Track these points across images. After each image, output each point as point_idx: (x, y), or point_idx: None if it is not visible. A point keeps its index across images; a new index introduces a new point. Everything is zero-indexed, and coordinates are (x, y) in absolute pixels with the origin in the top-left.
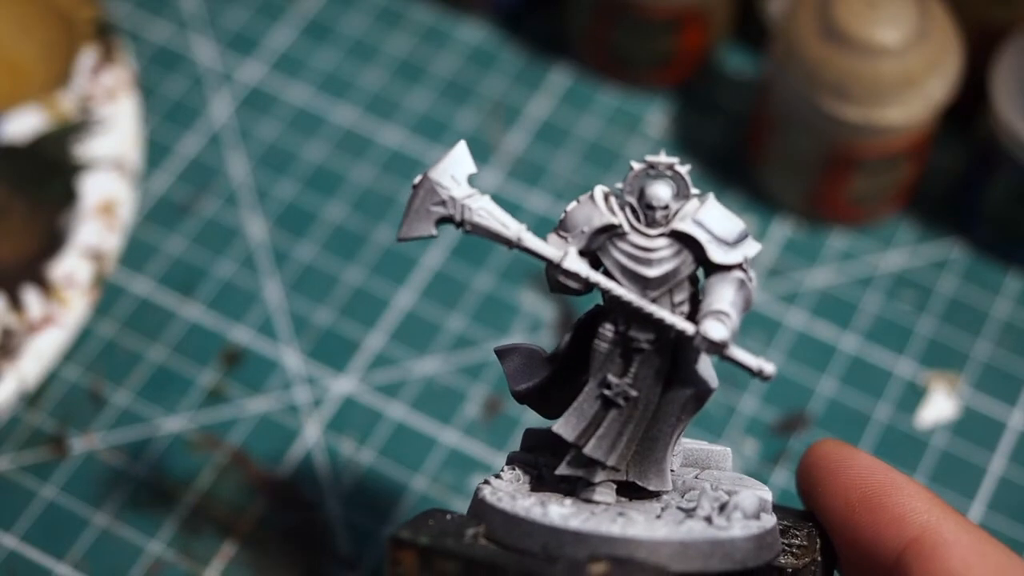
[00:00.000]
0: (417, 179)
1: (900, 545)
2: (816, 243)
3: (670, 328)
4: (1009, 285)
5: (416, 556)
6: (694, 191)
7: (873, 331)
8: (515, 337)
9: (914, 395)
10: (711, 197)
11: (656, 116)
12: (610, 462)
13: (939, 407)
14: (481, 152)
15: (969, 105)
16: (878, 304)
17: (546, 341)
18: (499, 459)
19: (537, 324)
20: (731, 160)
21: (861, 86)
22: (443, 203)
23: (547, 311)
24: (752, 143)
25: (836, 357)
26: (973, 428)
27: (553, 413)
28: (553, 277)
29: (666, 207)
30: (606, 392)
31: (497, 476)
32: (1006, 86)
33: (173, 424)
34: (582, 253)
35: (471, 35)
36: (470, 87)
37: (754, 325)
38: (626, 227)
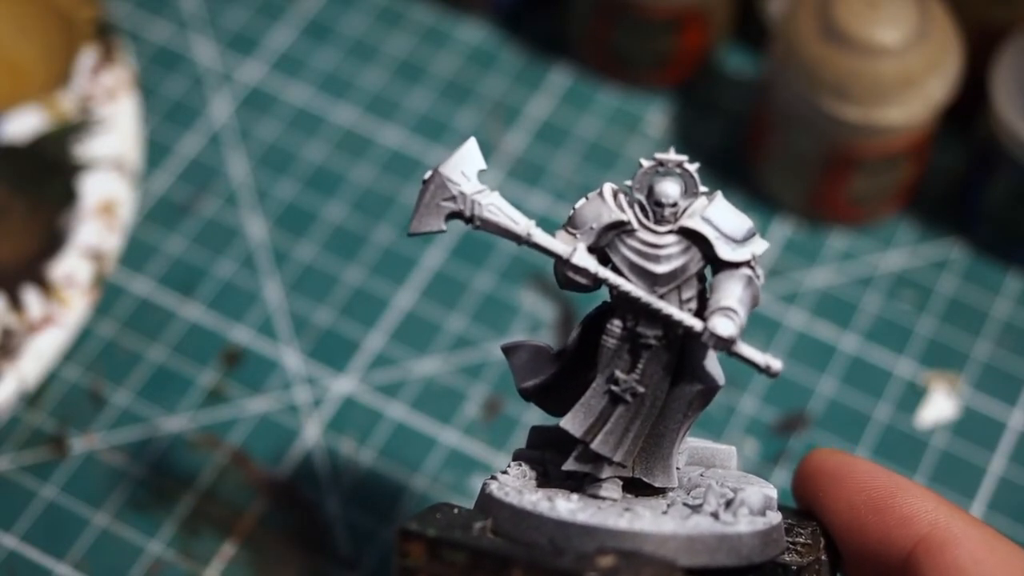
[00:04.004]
0: (427, 174)
1: (909, 544)
2: (816, 243)
3: (678, 324)
4: (1009, 285)
5: (424, 547)
6: (702, 189)
7: (873, 331)
8: (515, 338)
9: (914, 395)
10: (719, 195)
11: (656, 116)
12: (617, 458)
13: (939, 407)
14: (481, 152)
15: (969, 105)
16: (878, 304)
17: (547, 341)
18: (499, 459)
19: (537, 324)
20: (731, 160)
21: (861, 86)
22: (453, 199)
23: (547, 311)
24: (752, 143)
25: (836, 357)
26: (973, 428)
27: (559, 410)
28: (562, 273)
29: (675, 204)
30: (614, 388)
31: (504, 472)
32: (1006, 86)
33: (173, 424)
34: (591, 249)
35: (471, 35)
36: (470, 87)
37: (754, 325)
38: (635, 224)
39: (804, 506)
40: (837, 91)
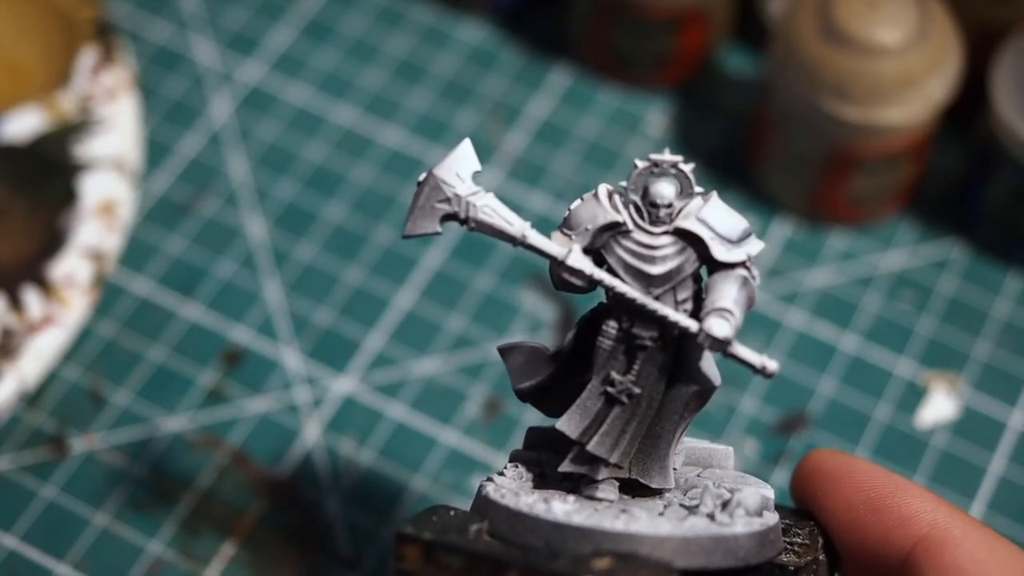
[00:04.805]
0: (422, 176)
1: (908, 544)
2: (816, 243)
3: (673, 325)
4: (1009, 285)
5: (420, 551)
6: (697, 189)
7: (873, 331)
8: (515, 337)
9: (914, 395)
10: (715, 195)
11: (656, 116)
12: (613, 459)
13: (939, 407)
14: (481, 152)
15: (969, 105)
16: (878, 304)
17: (546, 342)
18: (499, 459)
19: (537, 324)
20: (731, 160)
21: (861, 86)
22: (448, 200)
23: (547, 311)
24: (752, 143)
25: (836, 357)
26: (973, 428)
27: (556, 411)
28: (557, 274)
29: (670, 205)
30: (609, 389)
31: (500, 474)
32: (1006, 86)
33: (173, 424)
34: (586, 251)
35: (471, 35)
36: (470, 87)
37: (754, 325)
38: (630, 225)
39: (802, 506)
40: (837, 91)
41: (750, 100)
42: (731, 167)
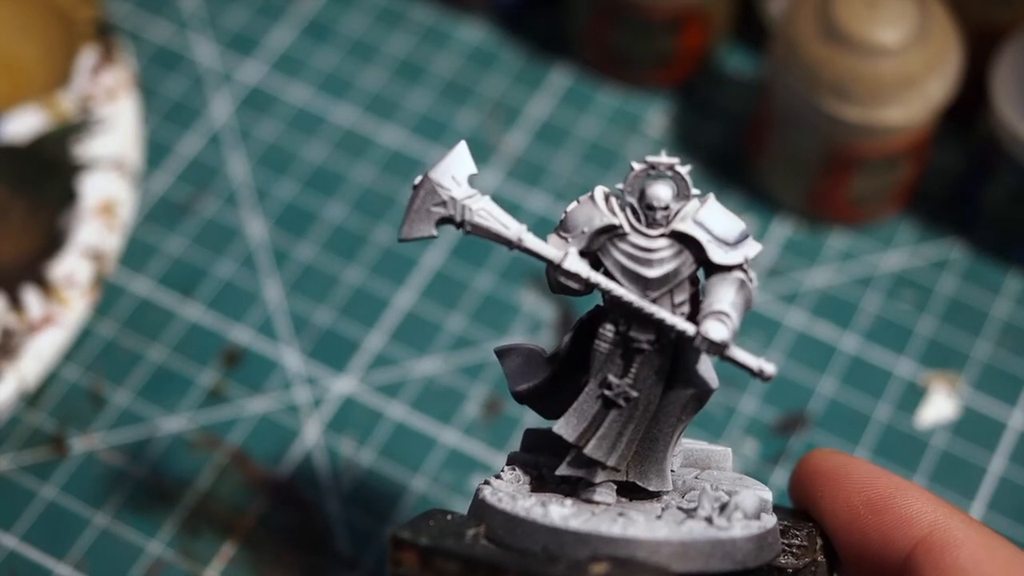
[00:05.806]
0: (417, 179)
1: (909, 545)
2: (816, 243)
3: (671, 328)
4: (1009, 285)
5: (417, 556)
6: (694, 191)
7: (873, 331)
8: (515, 337)
9: (914, 395)
10: (711, 197)
11: (656, 116)
12: (610, 462)
13: (939, 407)
14: (481, 152)
15: (969, 105)
16: (878, 304)
17: (546, 342)
18: (499, 459)
19: (537, 324)
20: (731, 160)
21: (861, 86)
22: (443, 204)
23: (547, 311)
24: (752, 143)
25: (836, 357)
26: (973, 428)
27: (553, 413)
28: (554, 278)
29: (666, 207)
30: (607, 392)
31: (497, 476)
32: (1006, 86)
33: (173, 424)
34: (583, 254)
35: (471, 35)
36: (470, 87)
37: (754, 325)
38: (626, 228)
39: (801, 507)
40: (837, 91)
41: (750, 100)
42: (731, 167)
